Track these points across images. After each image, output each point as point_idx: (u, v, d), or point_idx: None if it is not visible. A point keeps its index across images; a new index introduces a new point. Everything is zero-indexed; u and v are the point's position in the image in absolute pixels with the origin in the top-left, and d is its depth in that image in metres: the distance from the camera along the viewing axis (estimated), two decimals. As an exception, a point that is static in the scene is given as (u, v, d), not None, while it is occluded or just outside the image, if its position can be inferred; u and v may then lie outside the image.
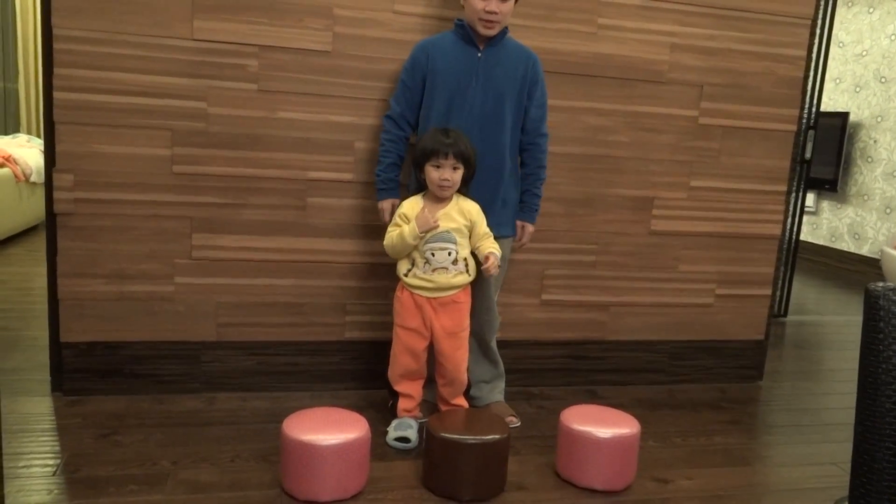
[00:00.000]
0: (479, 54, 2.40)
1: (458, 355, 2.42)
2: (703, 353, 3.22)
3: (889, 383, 1.14)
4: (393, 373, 2.46)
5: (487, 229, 2.37)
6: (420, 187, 2.38)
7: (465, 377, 2.47)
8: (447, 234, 2.30)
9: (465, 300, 2.41)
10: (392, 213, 2.43)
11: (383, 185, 2.48)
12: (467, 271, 2.37)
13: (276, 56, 2.57)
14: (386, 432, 2.42)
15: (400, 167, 2.50)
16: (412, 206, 2.32)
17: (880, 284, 1.16)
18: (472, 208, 2.34)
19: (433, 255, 2.31)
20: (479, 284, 2.54)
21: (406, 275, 2.35)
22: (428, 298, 2.35)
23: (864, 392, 1.17)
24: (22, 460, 2.16)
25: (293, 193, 2.66)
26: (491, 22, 2.33)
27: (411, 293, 2.36)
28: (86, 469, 2.14)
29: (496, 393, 2.71)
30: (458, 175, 2.28)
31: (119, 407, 2.57)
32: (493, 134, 2.43)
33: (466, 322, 2.43)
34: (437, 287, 2.33)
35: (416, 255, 2.32)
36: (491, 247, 2.33)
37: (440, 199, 2.31)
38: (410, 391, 2.46)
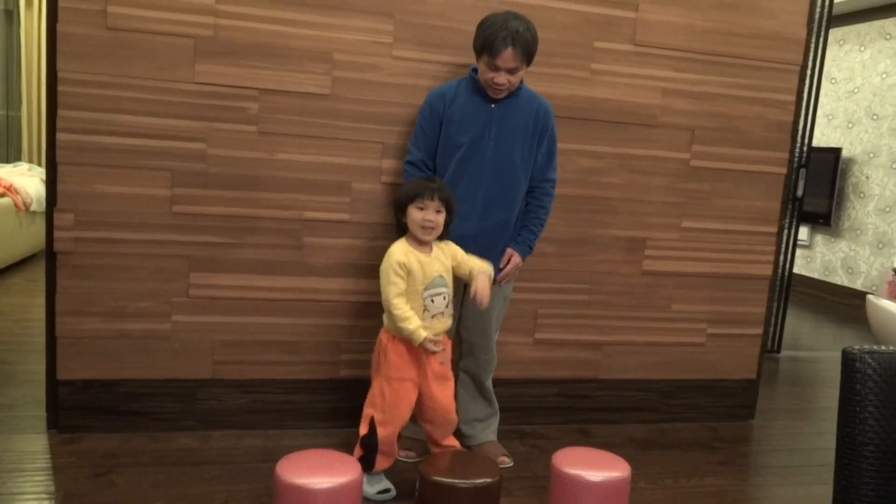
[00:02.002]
0: (493, 105, 2.45)
1: (449, 398, 2.42)
2: (696, 392, 3.24)
3: (866, 444, 1.17)
4: (390, 431, 2.33)
5: (469, 257, 2.40)
6: (401, 231, 2.36)
7: (455, 417, 2.47)
8: (440, 278, 2.32)
9: (449, 342, 2.44)
10: None
11: None
12: (452, 313, 2.40)
13: (276, 99, 2.62)
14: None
15: None
16: (405, 253, 2.29)
17: (856, 347, 1.19)
18: (449, 245, 2.38)
19: (432, 301, 2.30)
20: (479, 324, 2.58)
21: None
22: None
23: (842, 452, 1.20)
24: (16, 501, 2.17)
25: (290, 233, 2.71)
26: (499, 90, 2.40)
27: (405, 343, 2.30)
28: (80, 509, 2.15)
29: (489, 433, 2.72)
30: (441, 218, 2.29)
31: (114, 445, 2.58)
32: (505, 182, 2.48)
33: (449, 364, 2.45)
34: (435, 333, 2.31)
35: (413, 304, 2.29)
36: (481, 266, 2.36)
37: (422, 243, 2.31)
38: (393, 449, 2.39)
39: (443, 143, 2.48)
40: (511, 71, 2.34)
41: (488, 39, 2.30)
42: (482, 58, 2.36)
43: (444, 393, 2.40)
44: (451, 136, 2.46)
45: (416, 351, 2.30)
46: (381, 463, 2.35)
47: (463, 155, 2.45)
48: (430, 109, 2.49)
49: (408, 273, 2.27)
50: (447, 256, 2.36)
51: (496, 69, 2.34)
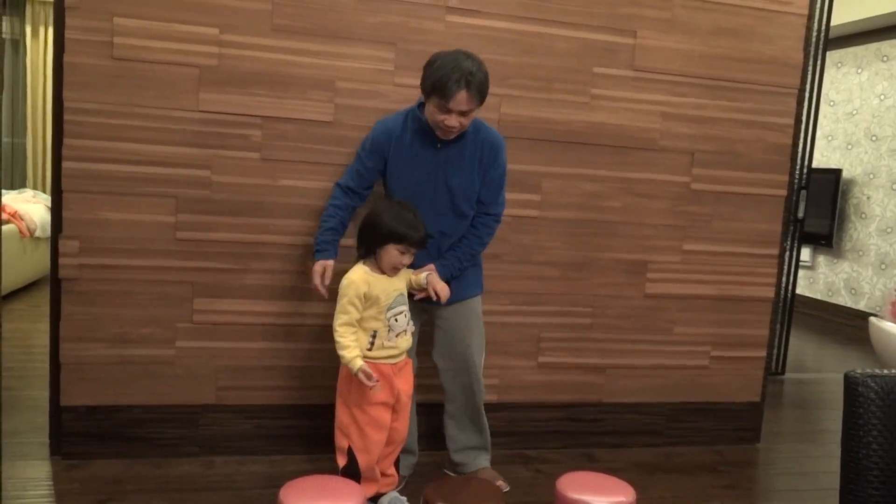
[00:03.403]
0: (439, 146, 2.37)
1: (410, 418, 2.45)
2: (700, 416, 3.23)
3: (870, 469, 1.17)
4: (366, 460, 2.28)
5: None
6: (366, 254, 2.31)
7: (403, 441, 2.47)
8: (401, 296, 2.32)
9: (410, 360, 2.44)
10: (322, 276, 2.39)
11: (321, 246, 2.42)
12: (413, 330, 2.41)
13: (279, 126, 2.65)
14: None
15: (341, 233, 2.47)
16: (366, 282, 2.24)
17: (858, 371, 1.19)
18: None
19: (396, 320, 2.29)
20: (452, 344, 2.52)
21: (371, 349, 2.27)
22: (391, 365, 2.31)
23: (846, 477, 1.20)
24: (19, 529, 2.17)
25: (294, 259, 2.72)
26: (450, 132, 2.31)
27: (376, 364, 2.26)
28: (82, 538, 2.14)
29: (482, 459, 2.67)
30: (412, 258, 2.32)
31: (117, 471, 2.57)
32: (452, 219, 2.44)
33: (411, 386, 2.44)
34: (400, 353, 2.32)
35: (376, 325, 2.26)
36: (424, 272, 2.38)
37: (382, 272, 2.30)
38: (377, 474, 2.34)
39: (390, 177, 2.43)
40: (463, 113, 2.25)
41: (440, 81, 2.19)
42: (432, 99, 2.25)
43: (408, 411, 2.41)
44: (396, 176, 2.41)
45: (386, 373, 2.28)
46: (368, 490, 2.29)
47: (411, 194, 2.39)
48: (372, 144, 2.40)
49: (372, 300, 2.25)
50: (405, 276, 2.37)
51: (448, 112, 2.23)
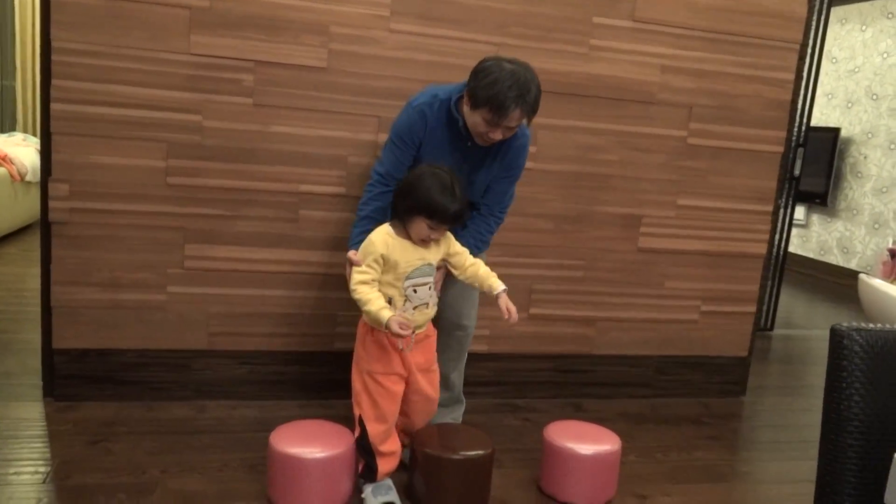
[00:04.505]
0: (469, 143, 2.26)
1: (436, 390, 2.27)
2: (688, 369, 3.27)
3: (850, 420, 1.19)
4: (377, 430, 2.13)
5: (465, 250, 2.21)
6: (395, 216, 2.12)
7: (436, 407, 2.33)
8: (429, 266, 2.11)
9: (434, 332, 2.27)
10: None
11: (359, 237, 2.18)
12: (436, 302, 2.21)
13: (272, 71, 2.60)
14: (362, 500, 2.15)
15: (378, 221, 2.20)
16: (386, 244, 2.05)
17: (845, 325, 1.20)
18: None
19: (415, 291, 2.08)
20: (464, 302, 2.43)
21: None
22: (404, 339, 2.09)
23: (827, 427, 1.22)
24: (12, 467, 2.20)
25: (286, 206, 2.70)
26: (491, 142, 2.20)
27: (387, 334, 2.05)
28: (76, 476, 2.17)
29: (450, 419, 2.58)
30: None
31: (109, 413, 2.60)
32: (475, 205, 2.38)
33: (435, 355, 2.29)
34: (417, 326, 2.11)
35: (392, 292, 2.07)
36: (499, 285, 2.16)
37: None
38: (394, 447, 2.19)
39: (418, 160, 2.29)
40: (511, 128, 2.15)
41: (497, 98, 2.04)
42: (480, 111, 2.09)
43: (430, 385, 2.24)
44: (426, 158, 2.26)
45: (396, 343, 2.10)
46: (385, 466, 2.15)
47: None
48: (409, 128, 2.24)
49: (391, 265, 2.05)
50: (439, 242, 2.15)
51: (496, 126, 2.12)
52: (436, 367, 2.28)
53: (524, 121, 2.16)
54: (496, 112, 2.07)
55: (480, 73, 2.10)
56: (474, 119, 2.14)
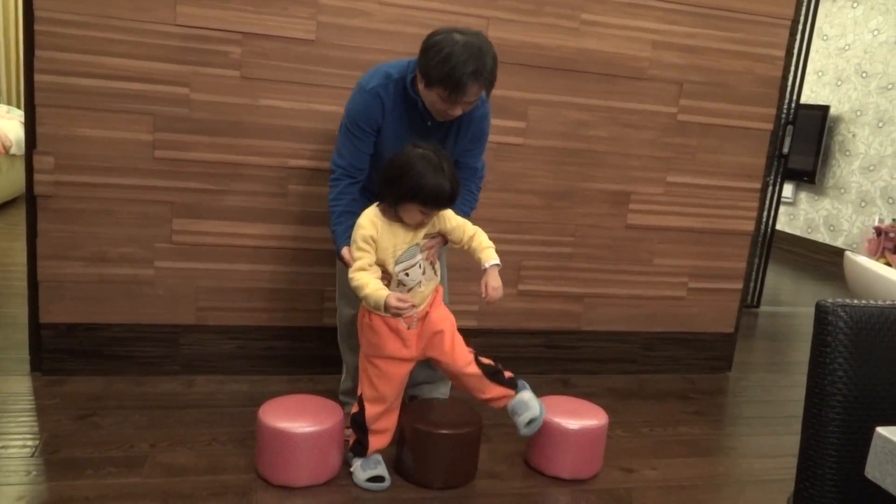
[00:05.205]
0: (430, 123, 2.17)
1: (455, 351, 2.14)
2: (674, 345, 3.30)
3: (833, 395, 1.20)
4: (373, 411, 2.13)
5: (464, 222, 2.11)
6: (383, 200, 2.05)
7: (470, 368, 2.15)
8: (415, 247, 2.05)
9: (440, 293, 2.20)
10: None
11: (347, 233, 2.10)
12: (434, 272, 2.14)
13: (260, 44, 2.57)
14: (350, 473, 2.17)
15: (357, 214, 2.08)
16: (373, 224, 2.00)
17: (830, 300, 1.21)
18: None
19: (407, 275, 2.04)
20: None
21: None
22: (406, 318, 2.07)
23: (810, 402, 1.24)
24: (0, 441, 2.19)
25: (274, 181, 2.69)
26: (451, 118, 2.12)
27: (385, 319, 2.04)
28: (64, 450, 2.17)
29: (437, 394, 2.60)
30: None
31: (98, 388, 2.60)
32: None
33: (448, 313, 2.20)
34: (414, 307, 2.04)
35: (383, 278, 2.03)
36: (489, 256, 2.07)
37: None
38: (387, 425, 2.18)
39: (377, 146, 2.20)
40: (470, 103, 2.07)
41: (452, 76, 1.94)
42: (436, 88, 2.00)
43: (455, 351, 2.14)
44: (385, 144, 2.18)
45: (393, 325, 2.06)
46: (375, 443, 2.16)
47: None
48: (366, 116, 2.13)
49: (381, 248, 2.01)
50: (433, 222, 2.08)
51: (454, 103, 2.03)
52: (442, 326, 2.13)
53: (483, 95, 2.09)
54: (452, 90, 1.97)
55: (431, 48, 1.98)
56: (430, 97, 2.05)
